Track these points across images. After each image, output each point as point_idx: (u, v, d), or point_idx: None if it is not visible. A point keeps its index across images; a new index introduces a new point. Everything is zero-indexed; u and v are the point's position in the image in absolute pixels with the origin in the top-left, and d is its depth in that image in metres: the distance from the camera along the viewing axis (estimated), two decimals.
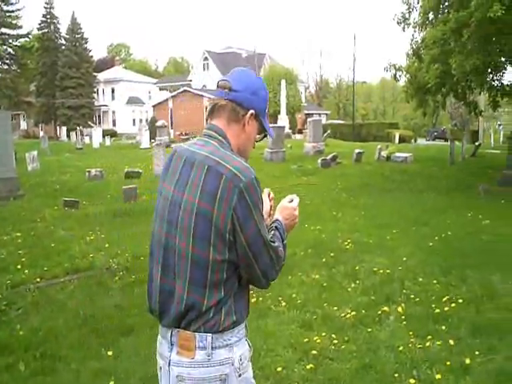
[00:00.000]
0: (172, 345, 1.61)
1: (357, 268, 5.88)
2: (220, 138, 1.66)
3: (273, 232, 1.74)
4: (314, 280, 5.55)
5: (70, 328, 4.48)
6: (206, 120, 1.75)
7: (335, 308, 4.72)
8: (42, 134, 41.30)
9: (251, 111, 1.68)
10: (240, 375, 1.62)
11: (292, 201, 1.87)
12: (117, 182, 13.34)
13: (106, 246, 7.04)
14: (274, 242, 1.66)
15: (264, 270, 1.62)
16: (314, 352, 3.86)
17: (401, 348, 3.83)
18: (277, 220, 1.80)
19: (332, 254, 6.43)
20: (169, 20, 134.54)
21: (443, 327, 4.21)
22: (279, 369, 3.63)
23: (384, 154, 19.01)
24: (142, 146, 27.53)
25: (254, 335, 4.20)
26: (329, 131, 29.96)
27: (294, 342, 4.06)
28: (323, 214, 9.28)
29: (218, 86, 1.71)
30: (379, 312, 4.56)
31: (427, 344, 3.90)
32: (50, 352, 4.06)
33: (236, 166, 1.57)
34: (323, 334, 4.16)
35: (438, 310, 4.53)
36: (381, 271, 5.69)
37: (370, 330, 4.22)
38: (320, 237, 7.46)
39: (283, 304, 4.87)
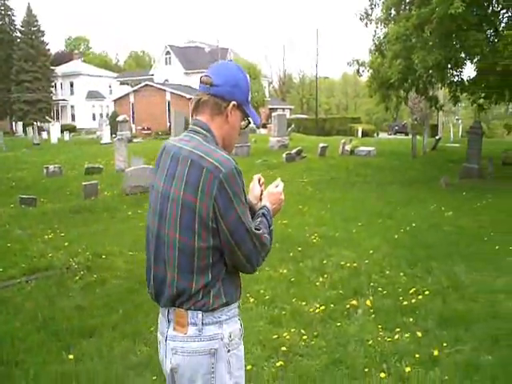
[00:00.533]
0: (169, 322, 1.76)
1: (324, 262, 5.85)
2: (204, 132, 1.77)
3: (259, 219, 1.83)
4: (281, 275, 5.49)
5: (27, 331, 4.25)
6: (191, 115, 1.83)
7: (304, 303, 4.67)
8: None
9: (233, 102, 1.77)
10: (229, 350, 1.74)
11: (278, 186, 1.98)
12: (77, 177, 12.95)
13: (66, 244, 6.77)
14: (259, 230, 1.75)
15: (248, 256, 1.72)
16: (284, 348, 3.78)
17: (370, 342, 3.80)
18: (264, 206, 1.89)
19: (299, 249, 6.39)
20: (130, 13, 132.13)
21: (411, 319, 4.22)
22: (249, 367, 3.52)
23: (348, 148, 19.21)
24: (102, 141, 26.91)
25: None
26: (293, 126, 30.13)
27: (262, 339, 3.97)
28: (289, 209, 9.23)
29: (200, 82, 1.79)
30: (348, 306, 4.54)
31: (396, 337, 3.90)
32: (6, 357, 3.84)
33: (217, 158, 1.67)
34: (292, 329, 4.10)
35: (405, 303, 4.54)
36: (348, 265, 5.68)
37: (339, 324, 4.19)
38: (287, 231, 7.41)
39: (251, 300, 4.78)
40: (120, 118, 27.71)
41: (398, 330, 4.00)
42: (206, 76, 1.78)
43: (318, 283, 5.21)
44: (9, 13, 51.64)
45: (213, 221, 1.65)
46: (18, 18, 51.97)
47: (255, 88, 41.05)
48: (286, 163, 16.26)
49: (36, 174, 13.87)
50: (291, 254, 6.20)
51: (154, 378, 3.50)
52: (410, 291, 4.81)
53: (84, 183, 10.33)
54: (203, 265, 1.68)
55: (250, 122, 1.90)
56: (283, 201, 1.98)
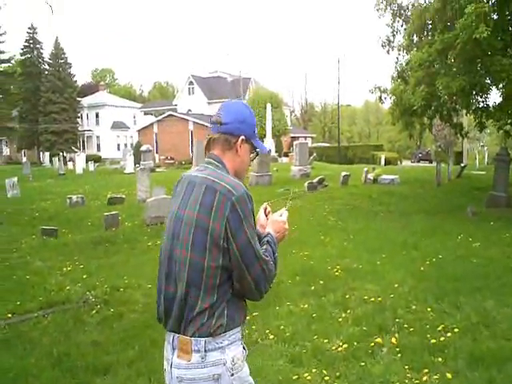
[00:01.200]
0: (174, 349, 1.82)
1: (347, 296, 5.64)
2: (216, 162, 1.91)
3: (265, 246, 1.91)
4: (302, 310, 5.30)
5: (42, 368, 4.16)
6: (205, 152, 1.99)
7: (325, 340, 4.47)
8: (24, 159, 40.74)
9: (241, 137, 1.93)
10: (233, 374, 1.79)
11: (282, 215, 2.07)
12: (99, 208, 13.02)
13: (84, 277, 6.72)
14: (266, 256, 1.83)
15: (256, 280, 1.79)
16: None
17: None
18: (268, 234, 1.99)
19: (321, 282, 6.19)
20: (154, 45, 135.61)
21: (439, 359, 3.99)
22: None
23: (371, 176, 18.98)
24: (126, 171, 27.25)
25: None
26: (315, 154, 30.04)
27: (282, 380, 3.80)
28: (311, 239, 9.06)
29: (211, 122, 1.97)
30: (372, 344, 4.32)
31: (424, 378, 3.67)
32: None
33: (229, 183, 1.81)
34: (313, 370, 3.91)
35: (433, 341, 4.30)
36: (372, 299, 5.46)
37: (362, 363, 3.98)
38: (308, 263, 7.23)
39: (271, 337, 4.61)
40: (143, 148, 28.10)
41: (425, 370, 3.78)
42: (216, 116, 1.95)
43: (340, 319, 5.00)
44: (37, 46, 53.43)
45: (224, 240, 1.75)
46: (46, 51, 53.76)
47: (277, 117, 41.26)
48: (308, 192, 16.11)
49: (59, 205, 14.01)
50: (313, 288, 6.01)
51: None
52: (438, 328, 4.57)
53: (105, 214, 10.35)
54: (211, 284, 1.76)
55: (258, 153, 2.04)
56: (287, 230, 2.06)
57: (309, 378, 3.78)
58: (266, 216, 2.12)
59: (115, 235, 9.46)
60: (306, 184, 16.75)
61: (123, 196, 14.41)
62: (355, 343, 4.36)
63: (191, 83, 53.20)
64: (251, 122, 1.99)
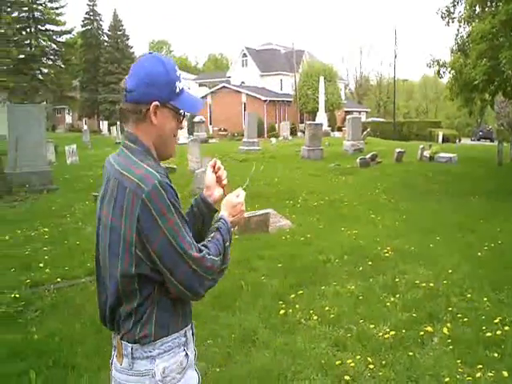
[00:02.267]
0: (114, 348, 1.67)
1: (397, 280, 5.38)
2: (130, 143, 1.61)
3: (212, 234, 1.67)
4: (349, 291, 5.10)
5: (86, 334, 4.21)
6: (121, 128, 1.56)
7: (372, 325, 4.27)
8: (85, 127, 42.04)
9: (153, 104, 1.58)
10: None
11: (239, 195, 1.81)
12: None
13: None
14: (200, 251, 1.55)
15: (184, 283, 1.53)
16: (347, 378, 3.44)
17: (447, 379, 3.36)
18: (221, 218, 1.74)
19: (370, 263, 5.95)
20: (209, 17, 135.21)
21: (495, 354, 3.72)
22: None
23: (427, 153, 18.21)
24: (179, 142, 27.50)
25: (281, 353, 3.84)
26: (368, 129, 29.16)
27: (324, 364, 3.64)
28: (361, 217, 8.78)
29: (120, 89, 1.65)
30: (422, 332, 4.09)
31: (477, 375, 3.43)
32: (64, 360, 3.81)
33: (138, 175, 1.51)
34: (358, 356, 3.73)
35: (489, 334, 4.01)
36: (423, 284, 5.18)
37: (410, 353, 3.76)
38: (357, 242, 6.98)
39: (314, 318, 4.46)
40: (196, 119, 28.26)
41: (479, 366, 3.52)
42: (123, 81, 1.62)
43: (388, 303, 4.77)
44: (97, 18, 54.58)
45: (137, 246, 1.50)
46: (106, 23, 54.82)
47: (330, 90, 40.32)
48: (360, 168, 15.67)
49: None
50: (360, 269, 5.79)
51: None
52: (495, 320, 4.26)
53: (200, 170, 10.39)
54: (128, 291, 1.55)
55: (183, 115, 1.68)
56: (244, 211, 1.81)
57: (352, 364, 3.62)
58: (217, 173, 1.83)
59: None
60: (358, 160, 16.30)
61: (174, 166, 14.53)
62: (403, 330, 4.14)
63: (245, 55, 52.68)
64: (165, 80, 1.60)
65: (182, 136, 28.43)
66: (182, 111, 1.66)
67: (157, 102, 1.58)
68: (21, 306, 4.67)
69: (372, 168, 15.77)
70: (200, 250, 1.56)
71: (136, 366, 1.59)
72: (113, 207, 1.55)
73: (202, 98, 46.97)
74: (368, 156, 16.88)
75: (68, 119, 59.70)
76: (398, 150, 17.83)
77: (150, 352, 1.58)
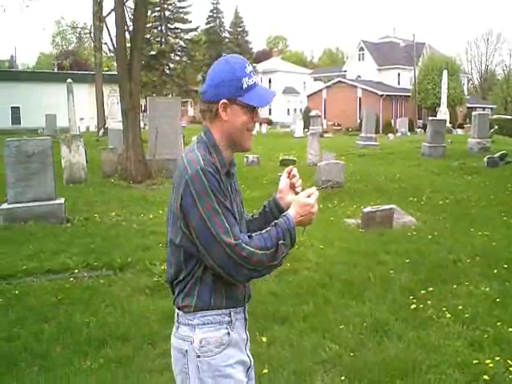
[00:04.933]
0: None
1: None
2: (202, 135, 1.76)
3: (268, 228, 1.72)
4: (483, 293, 4.95)
5: None
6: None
7: (510, 329, 4.13)
8: None
9: (221, 102, 1.70)
10: (199, 356, 1.71)
11: (311, 196, 1.80)
12: (272, 168, 13.63)
13: None
14: (240, 239, 1.62)
15: (220, 265, 1.63)
16: (486, 377, 3.40)
17: None
18: (285, 215, 1.76)
19: (505, 266, 5.69)
20: (325, 11, 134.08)
21: None
22: None
23: None
24: (295, 135, 27.98)
25: (415, 346, 3.89)
26: (496, 127, 27.13)
27: (461, 362, 3.63)
28: (492, 219, 8.34)
29: None
30: None
31: None
32: None
33: (188, 159, 1.68)
34: (496, 358, 3.66)
35: None
36: None
37: None
38: (489, 244, 6.68)
39: (447, 315, 4.42)
40: (313, 113, 28.49)
41: None
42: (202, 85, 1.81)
43: None
44: (219, 15, 56.97)
45: (181, 222, 1.67)
46: (227, 20, 57.02)
47: (452, 85, 38.03)
48: (488, 168, 14.72)
49: (238, 163, 15.00)
50: (495, 271, 5.56)
51: (343, 378, 3.49)
52: None
53: (279, 174, 10.79)
54: (176, 261, 1.73)
55: (255, 108, 1.75)
56: (314, 213, 1.79)
57: (491, 365, 3.55)
58: (291, 180, 1.92)
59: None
60: (485, 159, 15.32)
61: (294, 158, 14.86)
62: None
63: (361, 49, 51.64)
64: (232, 78, 1.70)
65: (299, 130, 28.83)
66: (251, 105, 1.73)
67: (224, 100, 1.70)
68: None
69: (501, 168, 14.72)
70: (238, 239, 1.63)
71: (180, 330, 1.75)
72: (173, 185, 1.74)
73: (317, 92, 47.03)
74: (497, 155, 15.79)
75: (191, 112, 63.16)
76: None
77: (191, 321, 1.72)
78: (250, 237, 1.67)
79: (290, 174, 1.93)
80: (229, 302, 1.75)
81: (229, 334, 1.75)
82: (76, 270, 5.52)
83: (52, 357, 3.77)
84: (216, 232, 1.61)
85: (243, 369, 1.81)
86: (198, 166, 1.63)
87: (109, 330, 4.18)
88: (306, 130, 28.49)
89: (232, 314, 1.76)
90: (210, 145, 1.73)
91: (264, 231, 1.71)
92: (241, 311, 1.82)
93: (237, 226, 1.67)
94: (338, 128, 40.36)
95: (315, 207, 1.80)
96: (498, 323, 4.25)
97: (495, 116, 46.64)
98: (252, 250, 1.63)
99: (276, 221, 1.75)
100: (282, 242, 1.69)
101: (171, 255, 1.76)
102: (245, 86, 1.72)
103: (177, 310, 1.79)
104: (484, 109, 45.47)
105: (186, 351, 1.73)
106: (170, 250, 1.77)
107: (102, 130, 25.84)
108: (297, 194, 1.90)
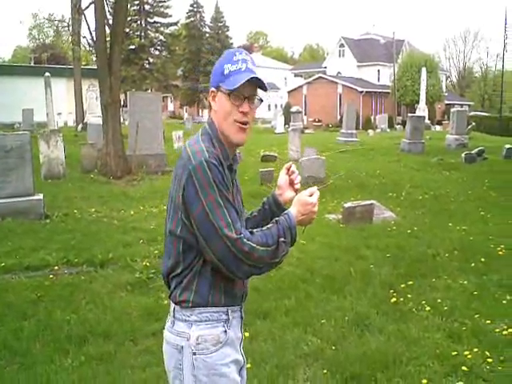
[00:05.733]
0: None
1: None
2: (206, 126, 1.76)
3: (270, 225, 1.71)
4: (461, 286, 5.06)
5: None
6: None
7: (488, 321, 4.23)
8: (186, 115, 43.99)
9: (210, 90, 1.73)
10: (195, 353, 1.68)
11: (312, 195, 1.79)
12: (253, 164, 13.64)
13: None
14: (241, 234, 1.60)
15: (220, 258, 1.61)
16: (465, 368, 3.48)
17: None
18: (286, 214, 1.75)
19: (482, 259, 5.81)
20: (306, 7, 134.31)
21: None
22: (424, 381, 3.34)
23: None
24: (276, 131, 27.97)
25: (395, 338, 3.95)
26: (473, 123, 27.60)
27: (440, 354, 3.71)
28: (469, 214, 8.51)
29: None
30: None
31: None
32: None
33: (192, 149, 1.65)
34: (475, 349, 3.75)
35: None
36: None
37: None
38: (467, 238, 6.81)
39: (427, 308, 4.50)
40: (293, 109, 28.50)
41: None
42: None
43: (504, 301, 4.67)
44: (200, 10, 56.48)
45: (182, 212, 1.64)
46: (208, 15, 56.64)
47: (431, 82, 38.45)
48: (465, 164, 14.98)
49: None
50: (472, 265, 5.68)
51: (325, 371, 3.52)
52: None
53: (261, 170, 10.87)
54: (175, 252, 1.69)
55: (230, 92, 1.68)
56: (315, 213, 1.79)
57: (469, 356, 3.64)
58: (290, 176, 1.90)
59: (270, 190, 9.86)
60: (463, 155, 15.59)
61: (275, 154, 14.88)
62: None
63: (342, 45, 51.87)
64: (219, 66, 1.74)
65: (279, 126, 28.86)
66: (230, 90, 1.68)
67: (212, 88, 1.73)
68: (151, 274, 5.19)
69: (478, 164, 15.01)
70: (239, 233, 1.60)
71: (176, 325, 1.71)
72: (174, 175, 1.72)
73: (298, 88, 47.11)
74: (474, 151, 16.08)
75: (170, 107, 62.69)
76: (507, 146, 16.76)
77: (188, 317, 1.69)
78: (251, 233, 1.66)
79: (288, 170, 1.92)
80: (227, 299, 1.72)
81: (226, 332, 1.72)
82: (56, 267, 5.46)
83: (32, 354, 3.72)
84: (218, 225, 1.58)
85: (237, 368, 1.79)
86: (203, 157, 1.61)
87: (90, 326, 4.14)
88: (286, 125, 28.53)
89: (229, 312, 1.74)
90: (213, 136, 1.71)
91: (265, 228, 1.69)
92: (238, 309, 1.79)
93: (239, 221, 1.64)
94: (319, 124, 40.51)
95: (316, 207, 1.78)
96: (476, 315, 4.35)
97: (472, 113, 47.49)
98: (253, 245, 1.61)
99: (277, 218, 1.74)
100: (282, 239, 1.68)
101: (171, 246, 1.72)
102: (226, 71, 1.71)
103: (173, 305, 1.74)
104: (462, 106, 46.17)
105: (182, 347, 1.70)
106: (169, 241, 1.72)
107: (80, 125, 25.48)
108: (296, 190, 1.90)
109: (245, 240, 1.60)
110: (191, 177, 1.59)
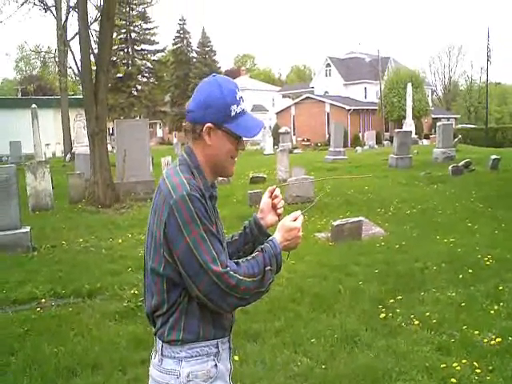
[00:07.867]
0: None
1: (500, 288, 5.26)
2: (185, 155, 1.70)
3: (255, 254, 1.67)
4: (450, 298, 5.08)
5: None
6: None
7: (476, 332, 4.25)
8: (175, 140, 44.20)
9: (207, 125, 1.64)
10: None
11: (296, 220, 1.75)
12: (242, 186, 13.68)
13: None
14: (226, 267, 1.55)
15: (206, 294, 1.56)
16: (453, 380, 3.48)
17: None
18: (271, 240, 1.72)
19: (470, 271, 5.85)
20: (292, 29, 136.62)
21: None
22: None
23: None
24: (265, 152, 28.15)
25: (384, 354, 3.95)
26: (460, 136, 27.94)
27: (429, 367, 3.71)
28: (457, 226, 8.56)
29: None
30: None
31: None
32: None
33: (172, 183, 1.59)
34: (463, 360, 3.75)
35: None
36: None
37: None
38: (454, 250, 6.86)
39: (416, 322, 4.51)
40: (282, 130, 28.77)
41: None
42: (188, 101, 1.72)
43: (492, 311, 4.70)
44: (186, 36, 57.39)
45: (164, 249, 1.58)
46: (194, 40, 57.49)
47: (417, 97, 39.10)
48: (452, 176, 15.13)
49: None
50: (460, 276, 5.71)
51: None
52: None
53: (249, 192, 10.91)
54: (158, 289, 1.63)
55: (240, 139, 1.71)
56: (300, 238, 1.75)
57: (458, 368, 3.64)
58: (273, 200, 1.88)
59: None
60: (450, 167, 15.74)
61: (264, 175, 14.95)
62: (510, 338, 4.08)
63: (328, 65, 52.72)
64: (222, 103, 1.64)
65: (268, 147, 29.05)
66: (237, 135, 1.68)
67: (210, 124, 1.64)
68: (139, 302, 5.15)
69: (465, 176, 15.15)
70: (225, 266, 1.56)
71: (164, 363, 1.64)
72: (152, 209, 1.65)
73: (286, 109, 47.59)
74: (461, 163, 16.25)
75: (159, 133, 63.00)
76: (493, 157, 16.97)
77: (178, 353, 1.63)
78: (237, 264, 1.61)
79: (272, 193, 1.90)
80: (217, 331, 1.68)
81: (216, 366, 1.68)
82: (43, 300, 5.41)
83: None
84: (203, 260, 1.53)
85: None
86: (184, 190, 1.55)
87: (78, 358, 4.10)
88: (275, 146, 28.73)
89: (219, 344, 1.70)
90: (193, 167, 1.66)
91: (250, 257, 1.66)
92: (227, 341, 1.76)
93: (223, 253, 1.60)
94: (308, 143, 40.85)
95: (300, 232, 1.75)
96: (464, 327, 4.36)
97: (458, 125, 48.12)
98: (240, 278, 1.57)
99: (262, 246, 1.70)
100: (269, 267, 1.64)
101: (153, 284, 1.65)
102: (233, 113, 1.66)
103: (160, 342, 1.67)
104: (448, 119, 46.81)
105: None
106: (152, 279, 1.65)
107: (68, 155, 25.51)
108: (278, 214, 1.88)
109: (231, 273, 1.56)
110: (173, 213, 1.54)
